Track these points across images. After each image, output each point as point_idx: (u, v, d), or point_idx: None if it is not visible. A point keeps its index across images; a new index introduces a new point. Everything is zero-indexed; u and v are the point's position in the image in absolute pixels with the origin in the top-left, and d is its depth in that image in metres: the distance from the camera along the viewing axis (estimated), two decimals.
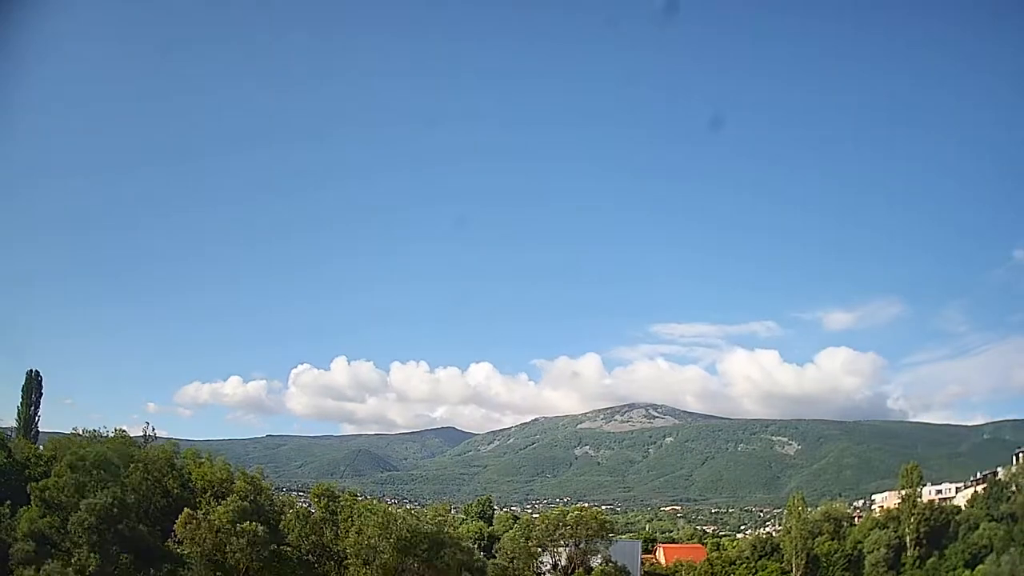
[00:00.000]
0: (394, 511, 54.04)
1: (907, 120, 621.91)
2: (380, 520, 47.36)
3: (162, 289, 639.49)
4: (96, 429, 57.69)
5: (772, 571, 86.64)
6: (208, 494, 50.40)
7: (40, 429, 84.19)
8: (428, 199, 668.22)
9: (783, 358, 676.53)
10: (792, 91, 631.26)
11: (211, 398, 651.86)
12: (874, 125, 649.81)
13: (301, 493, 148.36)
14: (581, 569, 71.11)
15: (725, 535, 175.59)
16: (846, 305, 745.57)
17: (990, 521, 78.73)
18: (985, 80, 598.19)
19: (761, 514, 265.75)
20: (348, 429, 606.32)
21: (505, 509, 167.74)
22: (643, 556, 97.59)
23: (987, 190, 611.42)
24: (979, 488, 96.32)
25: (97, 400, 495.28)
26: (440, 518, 56.08)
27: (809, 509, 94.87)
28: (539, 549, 72.65)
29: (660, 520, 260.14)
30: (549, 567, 73.56)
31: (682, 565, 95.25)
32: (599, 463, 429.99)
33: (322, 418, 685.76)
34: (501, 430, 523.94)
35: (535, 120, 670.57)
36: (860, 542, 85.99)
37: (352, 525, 49.56)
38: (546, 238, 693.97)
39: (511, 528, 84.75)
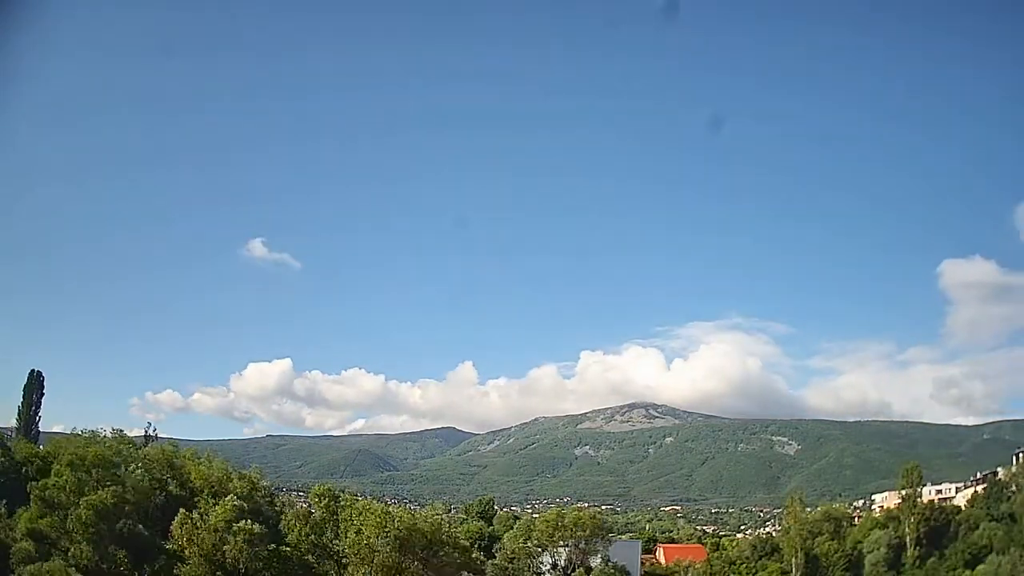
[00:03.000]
0: (391, 510, 54.02)
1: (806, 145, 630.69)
2: (377, 519, 47.33)
3: (162, 290, 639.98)
4: (95, 429, 57.74)
5: (772, 571, 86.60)
6: (207, 493, 50.44)
7: (40, 429, 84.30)
8: (427, 202, 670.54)
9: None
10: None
11: (215, 399, 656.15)
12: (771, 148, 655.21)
13: (301, 493, 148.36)
14: (581, 569, 70.92)
15: (725, 535, 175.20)
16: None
17: (990, 521, 78.72)
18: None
19: (761, 514, 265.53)
20: (348, 429, 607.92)
21: (505, 509, 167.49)
22: (643, 556, 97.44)
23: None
24: (979, 488, 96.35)
25: (94, 402, 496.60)
26: (439, 518, 56.04)
27: (809, 509, 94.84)
28: (539, 549, 72.54)
29: (660, 520, 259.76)
30: (549, 567, 73.37)
31: (682, 565, 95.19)
32: (599, 463, 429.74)
33: (324, 420, 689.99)
34: (501, 430, 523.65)
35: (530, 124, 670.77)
36: (860, 542, 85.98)
37: (352, 525, 49.57)
38: (543, 243, 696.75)
39: (511, 528, 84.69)
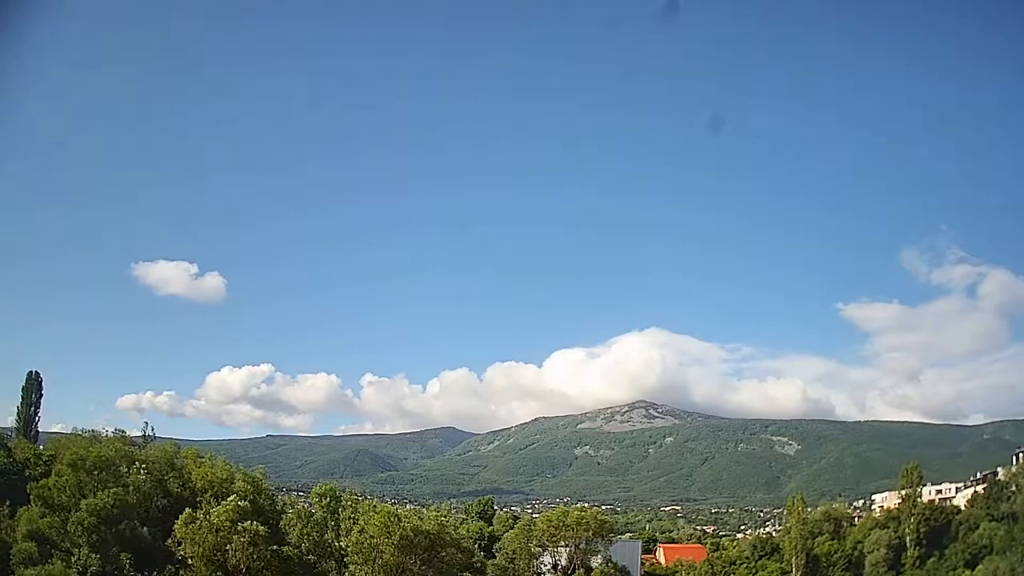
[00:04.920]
0: (397, 511, 54.15)
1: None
2: (383, 519, 47.38)
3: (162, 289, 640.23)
4: (96, 429, 57.75)
5: (772, 571, 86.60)
6: (209, 494, 50.37)
7: (40, 429, 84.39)
8: (430, 184, 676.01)
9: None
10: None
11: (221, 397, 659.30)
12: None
13: (301, 493, 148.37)
14: (581, 569, 70.92)
15: (725, 535, 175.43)
16: None
17: (990, 521, 78.68)
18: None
19: (761, 514, 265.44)
20: (348, 429, 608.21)
21: (505, 509, 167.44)
22: (643, 556, 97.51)
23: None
24: (979, 488, 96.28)
25: (86, 404, 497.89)
26: (442, 518, 56.11)
27: (809, 509, 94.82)
28: (539, 549, 72.55)
29: (660, 520, 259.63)
30: (549, 567, 73.40)
31: (682, 565, 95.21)
32: (599, 463, 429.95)
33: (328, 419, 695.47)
34: (501, 430, 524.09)
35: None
36: (860, 542, 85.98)
37: (355, 525, 49.64)
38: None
39: (511, 528, 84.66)
